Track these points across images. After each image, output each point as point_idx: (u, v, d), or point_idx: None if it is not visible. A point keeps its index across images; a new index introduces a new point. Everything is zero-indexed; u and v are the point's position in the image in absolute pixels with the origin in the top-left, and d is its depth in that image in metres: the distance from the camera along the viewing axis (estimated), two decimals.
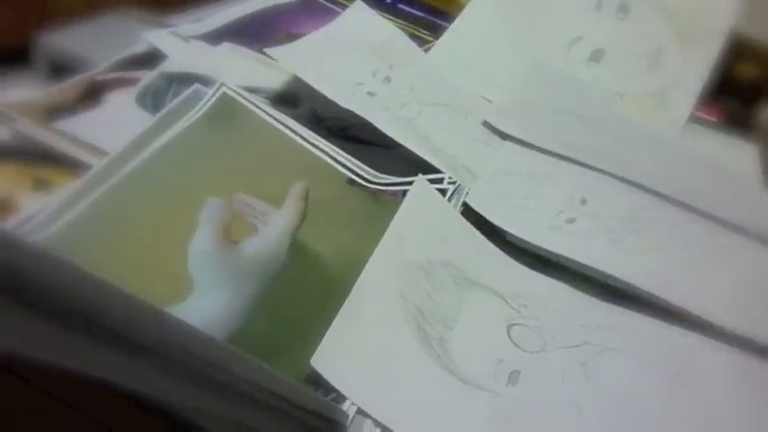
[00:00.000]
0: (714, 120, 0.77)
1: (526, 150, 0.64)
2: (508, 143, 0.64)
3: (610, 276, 0.52)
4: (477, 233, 0.53)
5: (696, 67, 0.76)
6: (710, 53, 0.76)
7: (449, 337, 0.45)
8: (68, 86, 0.58)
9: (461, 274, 0.49)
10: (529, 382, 0.44)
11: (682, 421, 0.45)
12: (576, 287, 0.52)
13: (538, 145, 0.63)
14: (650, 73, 0.75)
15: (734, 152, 0.74)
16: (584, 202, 0.59)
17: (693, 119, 0.74)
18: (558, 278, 0.52)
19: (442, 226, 0.53)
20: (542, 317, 0.49)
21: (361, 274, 0.46)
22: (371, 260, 0.47)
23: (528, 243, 0.54)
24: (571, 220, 0.57)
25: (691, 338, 0.50)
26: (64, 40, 0.65)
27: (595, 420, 0.43)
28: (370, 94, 0.63)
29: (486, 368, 0.44)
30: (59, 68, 0.61)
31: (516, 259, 0.53)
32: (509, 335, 0.47)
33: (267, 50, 0.61)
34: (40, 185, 0.49)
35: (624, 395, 0.45)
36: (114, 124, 0.55)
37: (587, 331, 0.49)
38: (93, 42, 0.65)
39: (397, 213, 0.51)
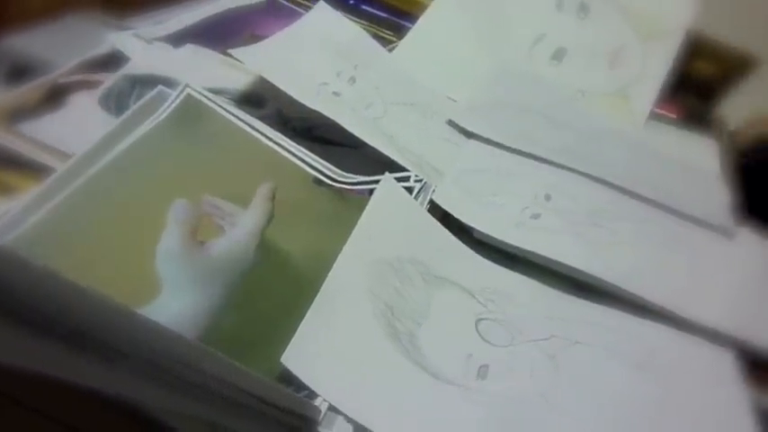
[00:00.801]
0: (674, 116, 0.78)
1: (491, 148, 0.64)
2: (473, 141, 0.65)
3: (575, 270, 0.53)
4: (444, 230, 0.54)
5: (656, 65, 0.77)
6: (669, 51, 0.78)
7: (418, 333, 0.45)
8: (30, 89, 0.57)
9: (429, 270, 0.50)
10: (498, 376, 0.45)
11: (650, 411, 0.46)
12: (544, 282, 0.53)
13: (503, 143, 0.64)
14: (611, 71, 0.77)
15: (693, 148, 0.75)
16: (548, 198, 0.60)
17: (654, 115, 0.76)
18: (526, 273, 0.53)
19: (410, 223, 0.53)
20: (510, 311, 0.49)
21: (330, 272, 0.46)
22: (340, 258, 0.47)
23: (494, 239, 0.54)
24: (536, 216, 0.58)
25: (657, 330, 0.51)
26: (24, 42, 0.64)
27: (565, 412, 0.44)
28: (336, 94, 0.63)
29: (455, 363, 0.45)
30: (20, 71, 0.61)
31: (484, 255, 0.54)
32: (477, 329, 0.47)
33: (231, 51, 0.61)
34: (4, 190, 0.48)
35: (593, 387, 0.46)
36: (78, 127, 0.54)
37: (555, 325, 0.49)
38: (55, 45, 0.65)
39: (365, 211, 0.51)
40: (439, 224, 0.54)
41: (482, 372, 0.45)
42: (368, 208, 0.51)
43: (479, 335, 0.47)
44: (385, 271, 0.48)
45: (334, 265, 0.46)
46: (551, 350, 0.48)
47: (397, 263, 0.49)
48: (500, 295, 0.50)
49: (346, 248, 0.48)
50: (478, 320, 0.48)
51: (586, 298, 0.52)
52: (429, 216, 0.54)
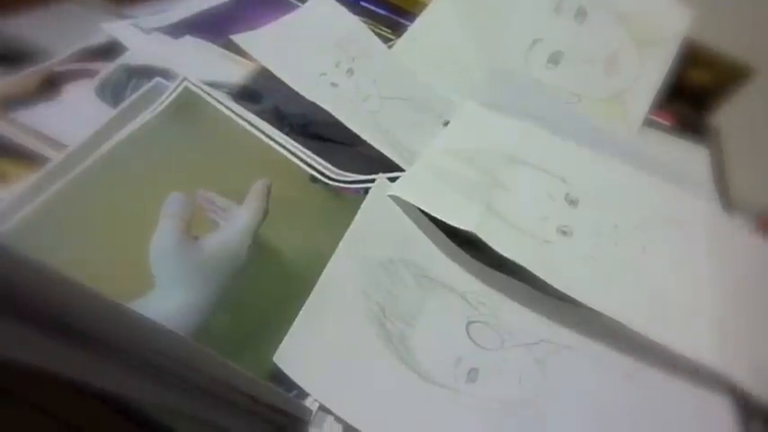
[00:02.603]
0: (668, 123, 0.79)
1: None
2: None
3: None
4: (438, 231, 0.54)
5: (652, 72, 0.77)
6: (666, 58, 0.78)
7: (410, 334, 0.45)
8: (25, 76, 0.57)
9: (422, 272, 0.50)
10: (487, 380, 0.45)
11: (635, 421, 0.46)
12: (535, 285, 0.53)
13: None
14: (607, 76, 0.77)
15: (685, 155, 0.76)
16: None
17: (648, 122, 0.76)
18: (517, 276, 0.53)
19: (403, 225, 0.53)
20: (500, 314, 0.50)
21: (324, 272, 0.46)
22: (333, 257, 0.47)
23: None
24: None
25: (647, 339, 0.51)
26: (20, 28, 0.63)
27: (553, 418, 0.44)
28: (334, 85, 0.63)
29: (446, 366, 0.45)
30: (15, 58, 0.60)
31: (475, 257, 0.54)
32: (468, 332, 0.47)
33: (233, 37, 0.60)
34: None
35: (581, 392, 0.47)
36: (73, 116, 0.54)
37: (545, 329, 0.50)
38: (51, 31, 0.64)
39: (359, 212, 0.51)
40: (433, 225, 0.54)
41: (471, 375, 0.45)
42: (362, 208, 0.51)
43: (470, 338, 0.47)
44: (377, 272, 0.48)
45: (327, 265, 0.46)
46: (540, 354, 0.48)
47: (390, 264, 0.49)
48: (491, 298, 0.50)
49: (339, 248, 0.48)
50: (469, 323, 0.48)
51: (577, 302, 0.52)
52: (423, 217, 0.54)
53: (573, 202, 0.61)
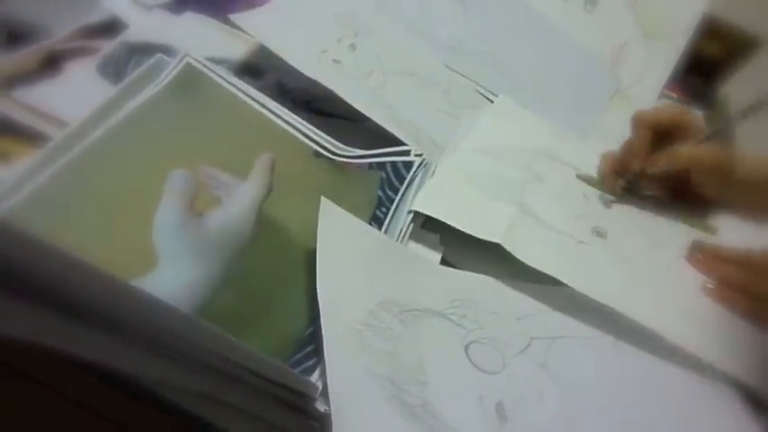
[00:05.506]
0: (675, 95, 0.78)
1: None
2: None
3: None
4: (392, 243, 0.52)
5: (660, 66, 0.76)
6: (675, 49, 0.76)
7: (428, 396, 0.42)
8: (26, 55, 0.56)
9: (400, 308, 0.46)
10: (515, 412, 0.43)
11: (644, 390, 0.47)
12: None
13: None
14: (614, 69, 0.76)
15: None
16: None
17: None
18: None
19: (364, 254, 0.49)
20: (484, 323, 0.48)
21: (327, 369, 0.40)
22: (326, 345, 0.41)
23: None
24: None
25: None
26: (20, 7, 0.63)
27: (582, 423, 0.44)
28: (336, 61, 0.62)
29: (473, 414, 0.42)
30: (16, 37, 0.60)
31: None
32: (471, 361, 0.45)
33: (232, 17, 0.60)
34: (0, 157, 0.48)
35: (589, 385, 0.46)
36: (75, 94, 0.54)
37: (527, 325, 0.49)
38: (52, 9, 0.64)
39: (318, 254, 0.45)
40: (386, 238, 0.52)
41: (500, 412, 0.43)
42: (318, 247, 0.46)
43: (476, 367, 0.45)
44: (366, 335, 0.43)
45: (326, 357, 0.40)
46: (539, 358, 0.47)
47: (372, 317, 0.45)
48: (468, 307, 0.49)
49: (325, 330, 0.42)
50: (466, 347, 0.46)
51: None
52: (378, 234, 0.52)
53: (607, 204, 0.60)
